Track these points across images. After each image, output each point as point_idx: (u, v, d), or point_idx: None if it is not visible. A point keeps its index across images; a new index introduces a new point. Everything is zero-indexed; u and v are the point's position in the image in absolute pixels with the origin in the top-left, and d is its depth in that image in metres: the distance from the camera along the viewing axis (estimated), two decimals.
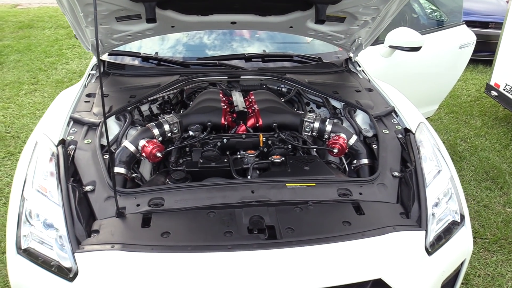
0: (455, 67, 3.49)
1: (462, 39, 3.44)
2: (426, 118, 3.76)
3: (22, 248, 1.43)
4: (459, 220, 1.65)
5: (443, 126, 4.10)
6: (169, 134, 1.88)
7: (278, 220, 1.45)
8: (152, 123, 1.87)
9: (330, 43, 2.47)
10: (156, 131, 1.84)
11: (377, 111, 2.06)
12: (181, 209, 1.48)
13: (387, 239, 1.43)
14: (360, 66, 2.59)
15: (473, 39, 3.48)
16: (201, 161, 1.73)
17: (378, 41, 3.03)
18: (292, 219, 1.46)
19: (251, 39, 2.74)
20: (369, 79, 2.45)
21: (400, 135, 1.92)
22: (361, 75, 2.50)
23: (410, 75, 3.31)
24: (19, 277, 1.40)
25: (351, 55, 2.59)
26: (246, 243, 1.35)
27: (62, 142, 1.73)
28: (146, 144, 1.75)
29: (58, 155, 1.65)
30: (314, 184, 1.61)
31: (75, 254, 1.35)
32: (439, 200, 1.66)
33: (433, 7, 4.04)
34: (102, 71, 2.40)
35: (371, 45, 3.08)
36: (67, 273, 1.33)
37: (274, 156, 1.73)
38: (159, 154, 1.74)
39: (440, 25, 3.61)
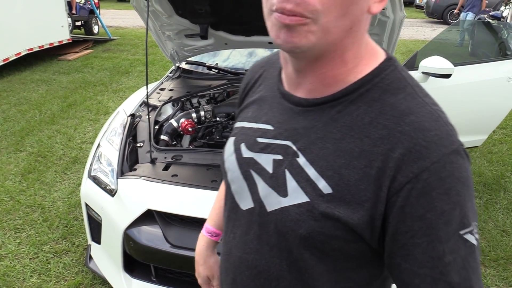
0: (502, 99, 3.59)
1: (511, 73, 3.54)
2: (475, 147, 3.89)
3: (92, 175, 2.22)
4: None
5: (498, 158, 4.11)
6: (203, 118, 2.57)
7: None
8: (193, 109, 2.59)
9: None
10: (194, 115, 2.54)
11: None
12: (191, 163, 2.14)
13: None
14: None
15: None
16: (217, 137, 2.37)
17: (414, 67, 3.37)
18: None
19: None
20: None
21: None
22: None
23: (455, 101, 3.53)
24: (86, 191, 2.19)
25: None
26: None
27: (132, 115, 2.53)
28: (184, 122, 2.46)
29: (126, 123, 2.44)
30: None
31: (118, 179, 2.09)
32: None
33: None
34: (178, 75, 3.22)
35: (408, 70, 3.45)
36: (111, 191, 2.07)
37: None
38: (190, 129, 2.43)
39: None
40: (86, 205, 2.20)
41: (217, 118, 2.54)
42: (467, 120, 3.63)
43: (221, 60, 3.36)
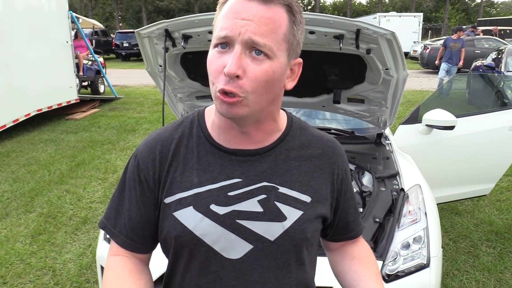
0: (506, 148, 3.65)
1: None
2: (483, 196, 3.90)
3: (107, 237, 2.23)
4: (425, 263, 2.00)
5: (507, 205, 4.11)
6: None
7: None
8: None
9: (360, 120, 3.03)
10: None
11: (382, 174, 2.52)
12: None
13: None
14: (388, 140, 3.07)
15: None
16: None
17: (417, 121, 3.46)
18: None
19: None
20: (391, 150, 2.91)
21: (395, 193, 2.35)
22: (387, 147, 2.98)
23: (460, 152, 3.59)
24: (102, 254, 2.19)
25: (382, 130, 3.09)
26: None
27: None
28: None
29: None
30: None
31: None
32: (409, 243, 2.04)
33: None
34: None
35: (412, 123, 3.55)
36: None
37: None
38: None
39: None
40: (102, 268, 2.19)
41: None
42: (473, 170, 3.67)
43: None
